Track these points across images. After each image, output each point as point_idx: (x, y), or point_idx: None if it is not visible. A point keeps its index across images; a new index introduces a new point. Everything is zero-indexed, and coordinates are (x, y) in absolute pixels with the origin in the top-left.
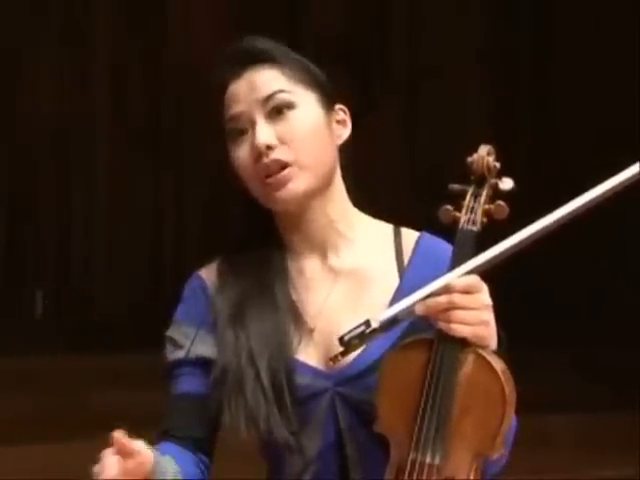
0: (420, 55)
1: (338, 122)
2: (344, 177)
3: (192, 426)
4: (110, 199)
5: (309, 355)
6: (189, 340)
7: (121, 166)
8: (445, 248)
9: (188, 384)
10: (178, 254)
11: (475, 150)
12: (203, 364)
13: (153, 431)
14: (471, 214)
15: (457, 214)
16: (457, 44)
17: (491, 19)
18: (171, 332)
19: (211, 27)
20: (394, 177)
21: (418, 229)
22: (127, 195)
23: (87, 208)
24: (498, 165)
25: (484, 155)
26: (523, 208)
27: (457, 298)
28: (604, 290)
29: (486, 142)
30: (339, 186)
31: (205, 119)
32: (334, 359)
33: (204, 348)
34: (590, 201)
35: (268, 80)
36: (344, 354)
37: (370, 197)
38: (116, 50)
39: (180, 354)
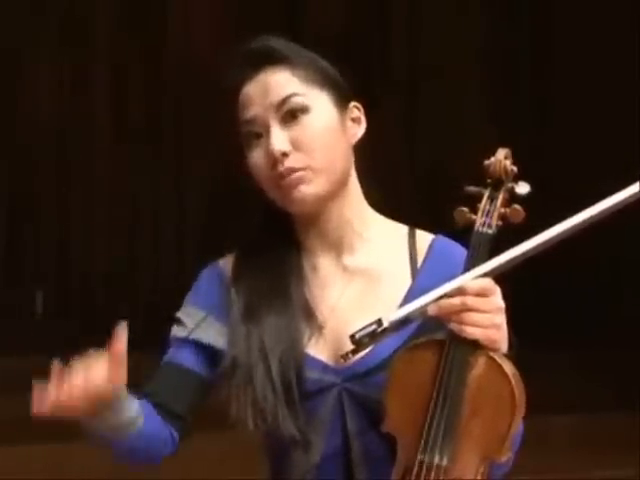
0: (420, 55)
1: (353, 120)
2: (360, 177)
3: (173, 396)
4: (110, 199)
5: (319, 351)
6: (194, 323)
7: (121, 166)
8: (459, 251)
9: (182, 357)
10: (178, 254)
11: (475, 150)
12: (203, 349)
13: None
14: (487, 217)
15: (472, 216)
16: (457, 44)
17: (491, 19)
18: (179, 313)
19: (211, 27)
20: (394, 177)
21: (418, 228)
22: (127, 195)
23: (87, 208)
24: (515, 169)
25: (502, 158)
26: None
27: (470, 300)
28: (604, 290)
29: (486, 142)
30: (355, 186)
31: (205, 119)
32: (345, 356)
33: (208, 334)
34: (596, 215)
35: (281, 83)
36: (355, 352)
37: (374, 197)
38: (116, 50)
39: (182, 333)
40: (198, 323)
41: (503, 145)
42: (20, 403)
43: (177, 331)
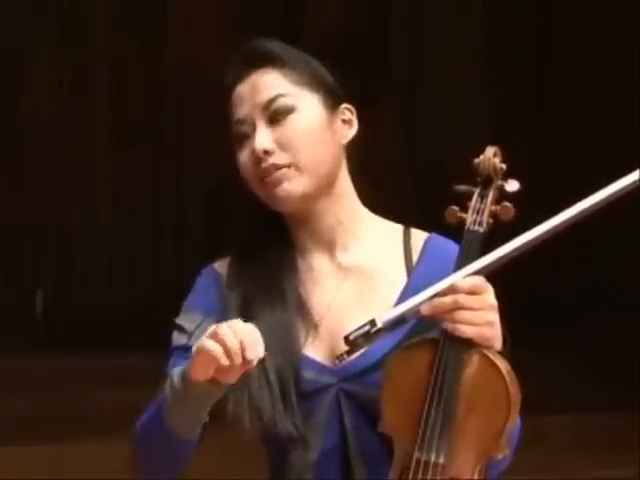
0: (420, 55)
1: (344, 122)
2: (353, 177)
3: None
4: (110, 199)
5: (315, 351)
6: (194, 327)
7: (121, 166)
8: (454, 249)
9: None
10: (178, 254)
11: (475, 150)
12: None
13: None
14: (477, 215)
15: (463, 215)
16: (457, 44)
17: (491, 19)
18: (179, 319)
19: (211, 27)
20: (394, 177)
21: (418, 228)
22: (127, 195)
23: (87, 208)
24: (504, 167)
25: (490, 156)
26: (523, 208)
27: (462, 298)
28: (603, 289)
29: (486, 142)
30: (346, 185)
31: (205, 119)
32: (340, 358)
33: None
34: (593, 205)
35: (270, 83)
36: (349, 353)
37: (371, 196)
38: (116, 50)
39: (183, 340)
40: (197, 327)
41: (503, 145)
42: (20, 403)
43: (178, 339)
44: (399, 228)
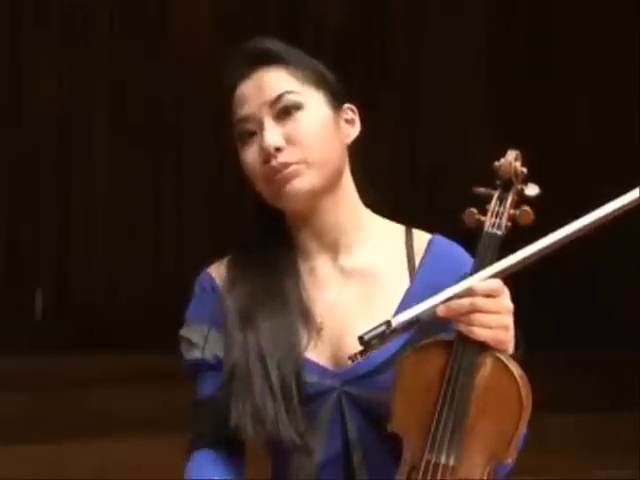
0: (420, 55)
1: (347, 121)
2: (355, 178)
3: (220, 429)
4: (110, 199)
5: (317, 354)
6: (203, 338)
7: (121, 166)
8: (457, 250)
9: (209, 386)
10: (178, 254)
11: (475, 150)
12: (220, 363)
13: (152, 432)
14: (496, 218)
15: (482, 218)
16: (457, 44)
17: (491, 19)
18: (185, 331)
19: (211, 27)
20: (394, 177)
21: (418, 229)
22: (127, 195)
23: (87, 208)
24: (525, 171)
25: (512, 160)
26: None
27: (480, 301)
28: (604, 289)
29: (486, 143)
30: (349, 186)
31: (205, 119)
32: (353, 358)
33: (218, 347)
34: (595, 221)
35: (276, 81)
36: (363, 353)
37: (371, 197)
38: (116, 50)
39: (196, 353)
40: (205, 339)
41: (502, 146)
42: (20, 403)
43: (189, 353)
44: (401, 229)
